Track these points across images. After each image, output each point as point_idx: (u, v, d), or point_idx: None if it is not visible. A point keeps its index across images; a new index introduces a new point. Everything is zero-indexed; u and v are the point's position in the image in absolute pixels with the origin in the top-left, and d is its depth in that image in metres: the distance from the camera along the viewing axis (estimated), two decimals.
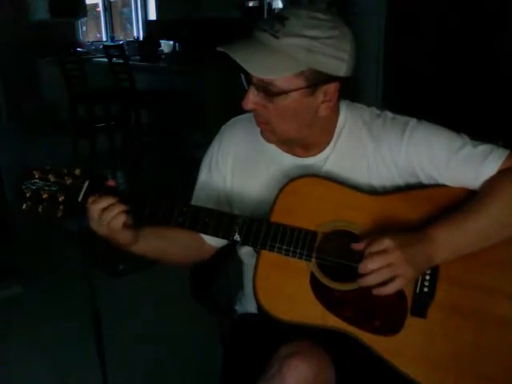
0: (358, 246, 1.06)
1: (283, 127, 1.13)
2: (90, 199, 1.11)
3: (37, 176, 1.14)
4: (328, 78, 1.08)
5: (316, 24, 1.05)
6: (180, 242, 1.29)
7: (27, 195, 1.13)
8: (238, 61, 1.04)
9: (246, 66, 1.05)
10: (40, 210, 1.14)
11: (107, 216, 1.10)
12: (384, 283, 1.02)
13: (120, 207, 1.11)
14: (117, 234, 1.13)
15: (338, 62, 1.07)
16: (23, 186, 1.13)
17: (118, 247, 1.19)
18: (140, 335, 2.46)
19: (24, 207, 1.14)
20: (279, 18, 1.06)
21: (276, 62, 1.04)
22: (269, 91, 1.07)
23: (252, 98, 1.10)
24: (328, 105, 1.12)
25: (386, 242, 1.02)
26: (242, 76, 1.11)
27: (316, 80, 1.07)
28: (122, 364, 2.22)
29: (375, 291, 1.03)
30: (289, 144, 1.21)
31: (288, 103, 1.08)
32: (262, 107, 1.11)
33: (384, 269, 1.01)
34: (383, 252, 1.02)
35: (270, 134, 1.16)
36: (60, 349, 2.37)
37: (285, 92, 1.07)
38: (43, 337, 2.46)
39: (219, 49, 1.05)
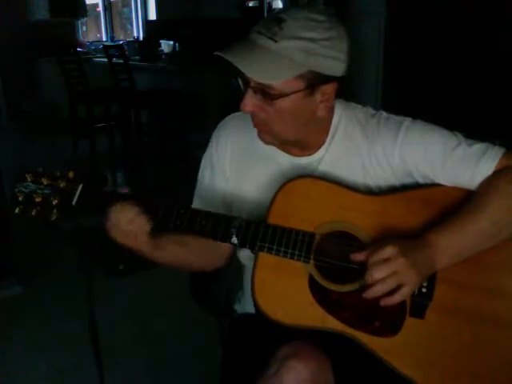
0: (359, 257, 1.05)
1: (281, 129, 1.13)
2: (115, 208, 1.10)
3: (29, 179, 1.13)
4: (326, 79, 1.08)
5: (313, 26, 1.04)
6: (196, 246, 1.25)
7: (20, 199, 1.12)
8: (238, 66, 1.03)
9: (246, 72, 1.04)
10: (33, 213, 1.13)
11: (132, 226, 1.09)
12: (389, 292, 1.02)
13: (144, 217, 1.10)
14: (141, 244, 1.12)
15: (336, 63, 1.07)
16: (16, 190, 1.13)
17: (135, 252, 1.17)
18: (140, 335, 2.46)
19: (17, 211, 1.13)
20: (276, 19, 1.05)
21: (276, 66, 1.04)
22: (268, 94, 1.07)
23: (250, 101, 1.09)
24: (325, 105, 1.12)
25: (389, 250, 1.01)
26: (239, 79, 1.11)
27: (315, 81, 1.07)
28: (122, 364, 2.22)
29: (382, 302, 1.03)
30: (285, 144, 1.21)
31: (287, 105, 1.08)
32: (260, 109, 1.10)
33: (389, 277, 1.01)
34: (387, 260, 1.01)
35: (267, 135, 1.16)
36: (60, 349, 2.37)
37: (284, 95, 1.06)
38: (43, 337, 2.46)
39: (217, 53, 1.05)
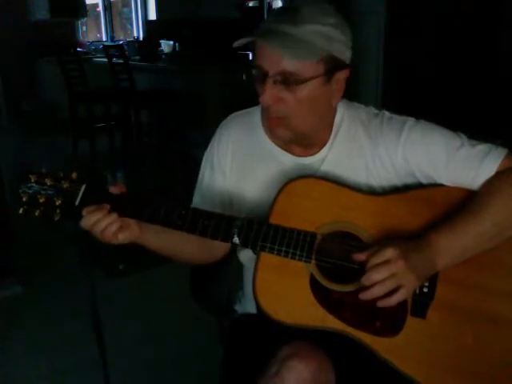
0: (360, 257, 1.06)
1: (299, 120, 1.13)
2: (83, 211, 1.11)
3: (33, 180, 1.13)
4: (341, 65, 1.11)
5: (327, 12, 1.09)
6: (191, 239, 1.22)
7: (23, 199, 1.13)
8: (271, 49, 1.05)
9: (281, 54, 1.05)
10: (37, 214, 1.13)
11: (97, 229, 1.10)
12: (388, 294, 1.02)
13: (108, 219, 1.10)
14: (112, 241, 1.13)
15: (347, 49, 1.12)
16: (20, 190, 1.13)
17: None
18: (140, 335, 2.46)
19: (21, 211, 1.13)
20: (291, 9, 1.09)
21: (302, 50, 1.06)
22: (290, 81, 1.08)
23: (270, 91, 1.09)
24: (339, 94, 1.15)
25: (389, 252, 1.02)
26: (254, 71, 1.11)
27: (332, 66, 1.10)
28: (123, 364, 2.21)
29: (380, 303, 1.03)
30: (295, 141, 1.20)
31: (307, 93, 1.09)
32: (279, 101, 1.10)
33: (388, 280, 1.01)
34: (386, 262, 1.01)
35: (283, 129, 1.15)
36: (60, 349, 2.37)
37: (307, 80, 1.08)
38: (43, 337, 2.46)
39: (238, 42, 1.07)
